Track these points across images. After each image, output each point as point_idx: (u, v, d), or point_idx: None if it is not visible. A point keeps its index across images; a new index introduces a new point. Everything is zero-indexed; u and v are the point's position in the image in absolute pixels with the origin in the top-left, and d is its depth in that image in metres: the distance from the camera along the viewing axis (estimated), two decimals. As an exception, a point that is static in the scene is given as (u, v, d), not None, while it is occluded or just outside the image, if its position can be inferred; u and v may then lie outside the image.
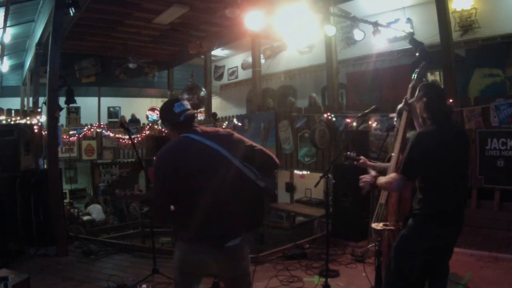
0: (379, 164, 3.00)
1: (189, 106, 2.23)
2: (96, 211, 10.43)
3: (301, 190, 10.37)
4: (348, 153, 3.18)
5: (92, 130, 10.82)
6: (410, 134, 2.66)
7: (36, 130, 6.09)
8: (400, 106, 3.02)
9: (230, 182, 2.10)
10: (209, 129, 2.25)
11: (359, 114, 3.52)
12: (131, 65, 11.14)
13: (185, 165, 2.07)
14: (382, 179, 2.51)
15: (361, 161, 3.03)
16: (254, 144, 2.25)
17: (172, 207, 2.13)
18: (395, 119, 3.74)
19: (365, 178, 2.65)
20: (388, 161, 3.00)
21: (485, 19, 7.02)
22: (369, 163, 2.96)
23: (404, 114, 2.83)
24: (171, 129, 2.23)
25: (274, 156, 2.27)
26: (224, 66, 13.60)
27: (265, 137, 7.78)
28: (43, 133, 6.11)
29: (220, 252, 2.08)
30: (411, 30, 7.22)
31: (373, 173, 2.68)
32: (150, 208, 2.79)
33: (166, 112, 2.22)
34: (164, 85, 12.97)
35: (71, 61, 10.99)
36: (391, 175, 2.45)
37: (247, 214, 2.17)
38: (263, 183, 2.18)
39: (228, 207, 2.11)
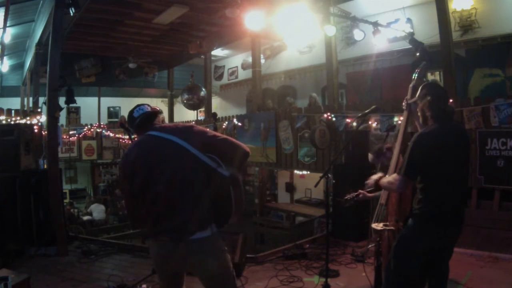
0: (379, 193, 3.05)
1: (148, 109, 2.27)
2: (97, 211, 10.42)
3: (301, 190, 10.38)
4: (346, 197, 3.26)
5: (92, 130, 10.82)
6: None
7: (36, 130, 6.09)
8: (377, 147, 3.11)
9: (189, 171, 2.05)
10: (168, 124, 2.30)
11: (359, 114, 3.52)
12: (131, 65, 11.14)
13: (142, 159, 2.10)
14: (384, 180, 2.52)
15: (360, 195, 3.10)
16: (217, 134, 2.22)
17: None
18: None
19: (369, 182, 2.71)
20: None
21: (485, 19, 7.02)
22: (368, 195, 3.04)
23: (405, 114, 2.83)
24: (136, 133, 2.29)
25: (242, 145, 2.18)
26: (224, 66, 13.60)
27: (265, 137, 7.78)
28: (43, 133, 6.11)
29: (183, 245, 2.01)
30: (411, 30, 7.23)
31: (375, 176, 2.70)
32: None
33: (128, 119, 2.30)
34: (164, 85, 12.97)
35: (71, 61, 10.98)
36: (393, 176, 2.45)
37: (212, 205, 2.08)
38: (228, 172, 2.07)
39: (187, 197, 2.03)
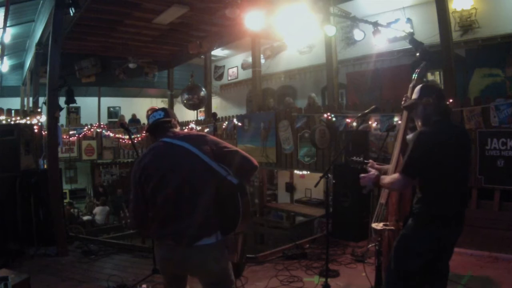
0: (387, 166, 2.97)
1: (161, 116, 2.32)
2: (102, 214, 10.38)
3: (301, 190, 10.38)
4: (355, 157, 3.16)
5: (92, 130, 10.82)
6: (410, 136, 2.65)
7: (36, 130, 6.08)
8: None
9: (199, 178, 2.09)
10: (183, 132, 2.34)
11: (359, 114, 3.51)
12: (131, 65, 11.13)
13: (155, 165, 2.14)
14: (385, 179, 2.50)
15: (369, 164, 3.01)
16: (229, 145, 2.26)
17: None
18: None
19: (366, 176, 2.62)
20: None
21: (485, 19, 7.02)
22: (376, 166, 2.94)
23: (404, 114, 2.83)
24: (150, 138, 2.38)
25: (252, 159, 2.23)
26: (224, 66, 13.60)
27: (265, 137, 7.78)
28: (43, 133, 6.11)
29: (187, 250, 2.05)
30: (411, 30, 7.23)
31: (373, 171, 2.68)
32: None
33: (147, 124, 2.39)
34: (164, 85, 12.97)
35: (71, 61, 10.98)
36: (394, 175, 2.44)
37: (220, 212, 2.10)
38: (236, 180, 2.11)
39: (195, 203, 2.06)
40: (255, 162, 2.24)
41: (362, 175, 2.63)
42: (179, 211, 2.06)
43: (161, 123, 2.31)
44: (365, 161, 3.00)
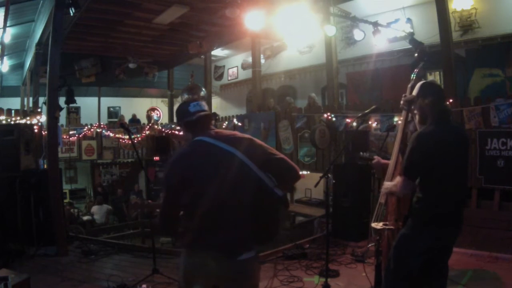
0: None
1: (206, 108, 2.08)
2: (100, 213, 10.37)
3: (301, 190, 10.36)
4: (362, 153, 3.17)
5: (92, 130, 10.81)
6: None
7: (36, 130, 6.08)
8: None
9: (247, 190, 1.92)
10: (226, 132, 2.09)
11: (359, 114, 3.52)
12: (131, 65, 11.14)
13: (198, 171, 1.92)
14: (388, 185, 2.54)
15: (375, 161, 3.01)
16: (275, 152, 2.07)
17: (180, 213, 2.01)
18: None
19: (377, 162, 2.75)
20: None
21: (485, 19, 7.02)
22: (383, 161, 2.94)
23: (404, 113, 2.83)
24: (184, 129, 2.10)
25: (296, 168, 2.05)
26: (224, 66, 13.59)
27: (265, 137, 7.78)
28: (43, 133, 6.11)
29: (231, 264, 1.90)
30: (411, 30, 7.23)
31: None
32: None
33: (180, 110, 2.09)
34: (164, 85, 12.97)
35: (71, 61, 10.98)
36: (397, 179, 2.45)
37: (262, 225, 1.95)
38: (281, 192, 1.96)
39: (241, 216, 1.91)
40: (299, 170, 2.08)
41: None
42: (221, 224, 1.90)
43: (210, 117, 2.06)
44: (371, 157, 3.02)
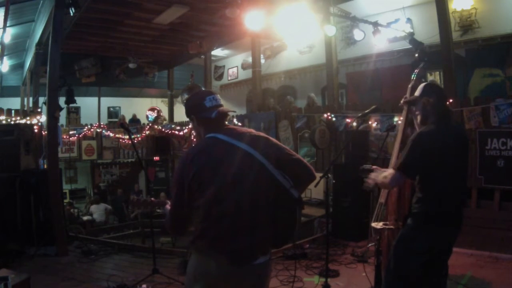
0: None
1: (221, 102, 1.95)
2: (98, 212, 10.38)
3: (301, 190, 10.36)
4: (364, 166, 3.14)
5: (92, 130, 10.82)
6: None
7: (36, 130, 6.08)
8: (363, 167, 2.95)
9: (263, 192, 1.84)
10: (242, 129, 1.97)
11: (359, 114, 3.52)
12: (131, 65, 11.14)
13: (210, 170, 1.81)
14: (380, 176, 2.46)
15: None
16: (291, 152, 1.97)
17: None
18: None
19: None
20: None
21: (485, 19, 7.02)
22: (382, 170, 2.94)
23: (404, 112, 2.83)
24: (198, 125, 1.96)
25: (312, 168, 1.97)
26: (224, 66, 13.60)
27: (265, 137, 7.78)
28: (43, 133, 6.10)
29: (247, 269, 1.83)
30: (411, 30, 7.22)
31: (367, 167, 2.69)
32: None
33: (195, 105, 1.94)
34: (164, 85, 12.98)
35: (71, 61, 10.98)
36: (390, 171, 2.42)
37: (279, 227, 1.88)
38: (297, 193, 1.88)
39: (256, 219, 1.83)
40: (314, 172, 2.00)
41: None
42: (238, 228, 1.81)
43: (226, 115, 1.95)
44: (372, 169, 2.99)
